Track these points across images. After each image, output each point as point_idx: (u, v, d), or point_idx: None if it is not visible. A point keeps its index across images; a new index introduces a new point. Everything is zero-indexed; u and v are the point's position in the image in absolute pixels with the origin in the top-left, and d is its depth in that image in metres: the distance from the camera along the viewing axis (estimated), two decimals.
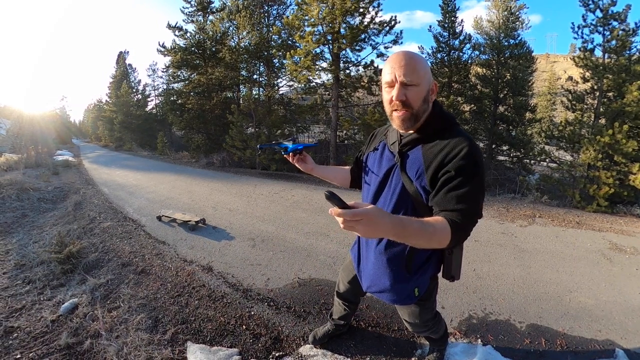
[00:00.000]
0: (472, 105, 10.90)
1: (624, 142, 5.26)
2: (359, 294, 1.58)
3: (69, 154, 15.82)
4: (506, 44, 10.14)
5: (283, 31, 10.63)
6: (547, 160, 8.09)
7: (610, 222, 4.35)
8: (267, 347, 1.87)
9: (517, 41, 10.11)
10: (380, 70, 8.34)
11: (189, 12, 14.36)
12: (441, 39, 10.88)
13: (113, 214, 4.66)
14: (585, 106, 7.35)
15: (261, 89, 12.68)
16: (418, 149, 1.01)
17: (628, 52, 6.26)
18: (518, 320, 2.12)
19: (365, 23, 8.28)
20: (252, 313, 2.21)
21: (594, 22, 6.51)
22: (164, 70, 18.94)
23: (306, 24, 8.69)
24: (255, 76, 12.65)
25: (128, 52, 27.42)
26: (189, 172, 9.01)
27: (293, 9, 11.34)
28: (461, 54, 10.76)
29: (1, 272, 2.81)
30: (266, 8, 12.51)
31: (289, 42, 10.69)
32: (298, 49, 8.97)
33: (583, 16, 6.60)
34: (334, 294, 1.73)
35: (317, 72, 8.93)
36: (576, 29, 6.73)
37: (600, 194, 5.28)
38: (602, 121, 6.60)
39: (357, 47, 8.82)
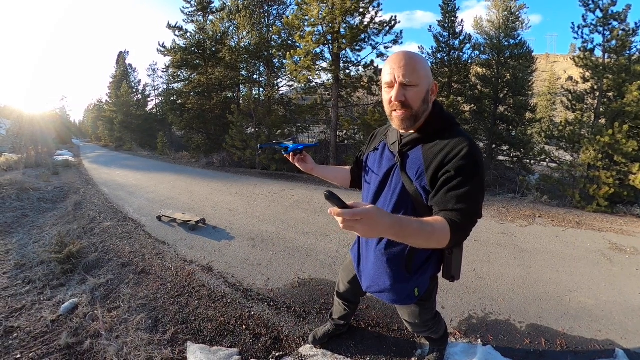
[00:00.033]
0: (472, 105, 10.90)
1: (624, 142, 5.26)
2: (359, 294, 1.58)
3: (69, 154, 15.82)
4: (506, 44, 10.15)
5: (283, 31, 10.63)
6: (547, 160, 8.09)
7: (610, 222, 4.35)
8: (267, 347, 1.87)
9: (517, 41, 10.12)
10: (380, 70, 8.34)
11: (189, 12, 14.37)
12: (441, 39, 10.89)
13: (113, 214, 4.66)
14: (585, 106, 7.35)
15: (261, 89, 12.68)
16: (418, 149, 1.01)
17: (628, 52, 6.26)
18: (518, 320, 2.12)
19: (365, 23, 8.28)
20: (252, 313, 2.21)
21: (594, 22, 6.52)
22: (164, 70, 18.96)
23: (306, 24, 8.69)
24: (255, 76, 12.65)
25: (128, 52, 27.46)
26: (189, 172, 9.01)
27: (293, 9, 11.36)
28: (461, 54, 10.76)
29: (1, 272, 2.81)
30: (266, 8, 12.51)
31: (289, 42, 10.69)
32: (298, 49, 8.97)
33: (583, 16, 6.61)
34: (334, 294, 1.73)
35: (317, 72, 8.93)
36: (576, 29, 6.73)
37: (600, 194, 5.28)
38: (602, 121, 6.61)
39: (357, 47, 8.82)
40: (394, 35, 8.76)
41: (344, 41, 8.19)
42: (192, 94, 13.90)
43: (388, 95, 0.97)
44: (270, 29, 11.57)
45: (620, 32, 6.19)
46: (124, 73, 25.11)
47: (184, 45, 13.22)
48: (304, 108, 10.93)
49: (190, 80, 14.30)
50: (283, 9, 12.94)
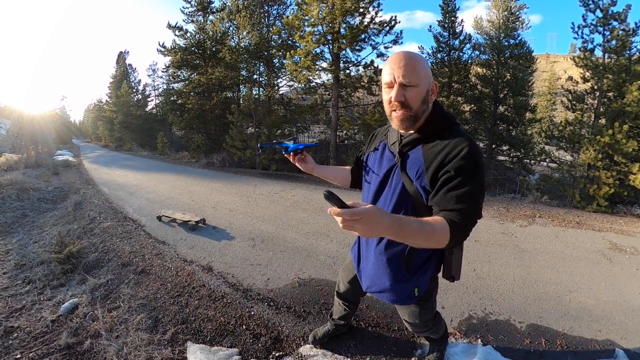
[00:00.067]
0: (472, 105, 10.90)
1: (624, 142, 5.26)
2: (359, 294, 1.58)
3: (69, 154, 15.82)
4: (506, 44, 10.15)
5: (283, 31, 10.64)
6: (547, 160, 8.09)
7: (610, 222, 4.35)
8: (267, 347, 1.87)
9: (517, 41, 10.12)
10: (380, 70, 8.34)
11: (189, 12, 14.37)
12: (441, 39, 10.89)
13: (113, 214, 4.66)
14: (585, 106, 7.35)
15: (261, 89, 12.68)
16: (418, 149, 1.01)
17: (628, 52, 6.26)
18: (518, 320, 2.12)
19: (365, 23, 8.28)
20: (252, 313, 2.21)
21: (594, 22, 6.52)
22: (164, 70, 18.97)
23: (306, 24, 8.69)
24: (255, 76, 12.65)
25: (128, 52, 27.47)
26: (189, 172, 9.01)
27: (293, 9, 11.36)
28: (461, 54, 10.76)
29: (1, 272, 2.81)
30: (266, 8, 12.52)
31: (289, 42, 10.69)
32: (298, 49, 8.98)
33: (583, 16, 6.61)
34: (334, 294, 1.73)
35: (317, 72, 8.93)
36: (576, 29, 6.73)
37: (600, 194, 5.28)
38: (602, 121, 6.61)
39: (357, 47, 8.82)
40: (394, 35, 8.78)
41: (344, 41, 8.19)
42: (192, 94, 13.90)
43: (388, 96, 0.97)
44: (270, 29, 11.58)
45: (620, 32, 6.19)
46: (124, 73, 25.12)
47: (184, 45, 13.22)
48: (304, 108, 10.93)
49: (190, 80, 14.31)
50: (283, 9, 12.96)
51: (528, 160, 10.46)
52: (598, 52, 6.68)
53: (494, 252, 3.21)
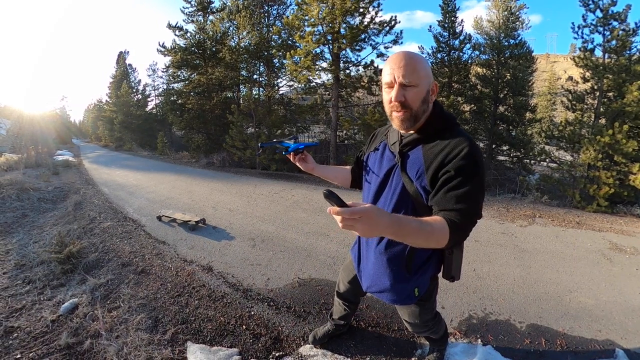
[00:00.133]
0: (472, 105, 10.90)
1: (624, 142, 5.26)
2: (359, 294, 1.58)
3: (69, 154, 15.82)
4: (506, 44, 10.15)
5: (283, 31, 10.63)
6: (547, 160, 8.09)
7: (610, 222, 4.35)
8: (267, 347, 1.87)
9: (517, 41, 10.12)
10: (380, 70, 8.35)
11: (189, 12, 14.37)
12: (441, 39, 10.89)
13: (113, 214, 4.66)
14: (585, 106, 7.35)
15: (261, 89, 12.68)
16: (418, 149, 1.01)
17: (628, 52, 6.26)
18: (518, 320, 2.12)
19: (365, 23, 8.28)
20: (252, 313, 2.21)
21: (594, 22, 6.52)
22: (164, 70, 18.97)
23: (306, 24, 8.69)
24: (255, 76, 12.65)
25: (128, 52, 27.46)
26: (189, 172, 9.01)
27: (293, 9, 11.36)
28: (461, 54, 10.76)
29: (1, 272, 2.81)
30: (266, 8, 12.52)
31: (289, 42, 10.69)
32: (298, 49, 8.98)
33: (583, 16, 6.61)
34: (334, 294, 1.73)
35: (317, 72, 8.93)
36: (576, 29, 6.73)
37: (600, 194, 5.28)
38: (602, 121, 6.61)
39: (357, 47, 8.82)
40: (394, 35, 8.77)
41: (344, 41, 8.19)
42: (192, 94, 13.90)
43: (388, 96, 0.97)
44: (270, 29, 11.58)
45: (620, 32, 6.19)
46: (124, 73, 25.12)
47: (184, 45, 13.22)
48: (304, 108, 10.93)
49: (190, 80, 14.30)
50: (283, 9, 12.96)
51: (528, 160, 10.46)
52: (598, 52, 6.68)
53: (494, 252, 3.21)
